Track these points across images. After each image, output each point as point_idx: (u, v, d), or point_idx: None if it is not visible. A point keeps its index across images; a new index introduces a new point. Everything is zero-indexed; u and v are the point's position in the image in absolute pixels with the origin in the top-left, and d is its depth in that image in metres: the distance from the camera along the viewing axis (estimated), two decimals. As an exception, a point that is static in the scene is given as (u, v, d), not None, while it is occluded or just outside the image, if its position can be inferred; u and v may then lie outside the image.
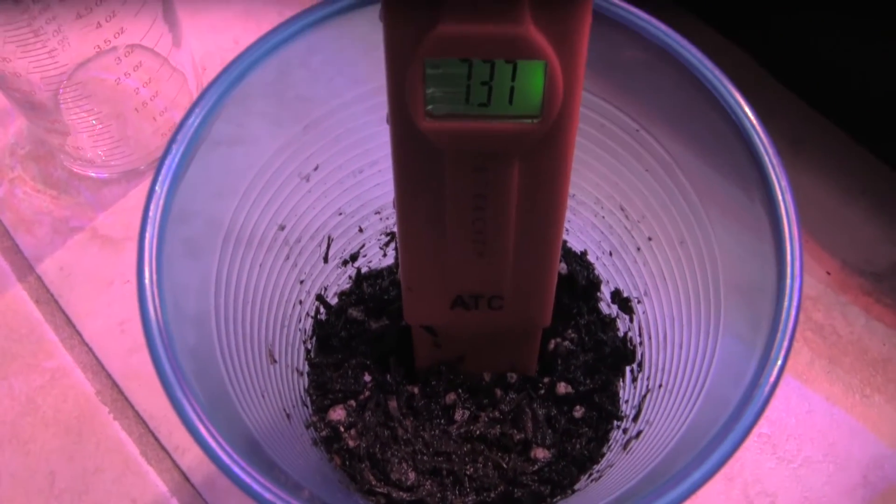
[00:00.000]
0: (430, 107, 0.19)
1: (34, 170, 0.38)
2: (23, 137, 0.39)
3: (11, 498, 0.32)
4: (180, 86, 0.37)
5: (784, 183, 0.19)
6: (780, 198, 0.18)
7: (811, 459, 0.32)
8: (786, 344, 0.17)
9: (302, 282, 0.26)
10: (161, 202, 0.19)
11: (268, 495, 0.16)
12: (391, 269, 0.30)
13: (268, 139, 0.22)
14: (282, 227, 0.24)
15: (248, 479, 0.16)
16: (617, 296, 0.27)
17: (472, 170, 0.20)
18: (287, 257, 0.25)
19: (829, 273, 0.36)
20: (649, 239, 0.24)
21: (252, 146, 0.22)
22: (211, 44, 0.41)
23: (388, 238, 0.30)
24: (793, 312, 0.17)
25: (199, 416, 0.17)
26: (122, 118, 0.36)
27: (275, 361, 0.24)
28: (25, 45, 0.30)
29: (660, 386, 0.23)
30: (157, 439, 0.33)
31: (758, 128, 0.20)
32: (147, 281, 0.18)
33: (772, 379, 0.16)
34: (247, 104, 0.21)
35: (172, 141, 0.20)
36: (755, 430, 0.32)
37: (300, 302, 0.26)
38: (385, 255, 0.30)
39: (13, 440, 0.33)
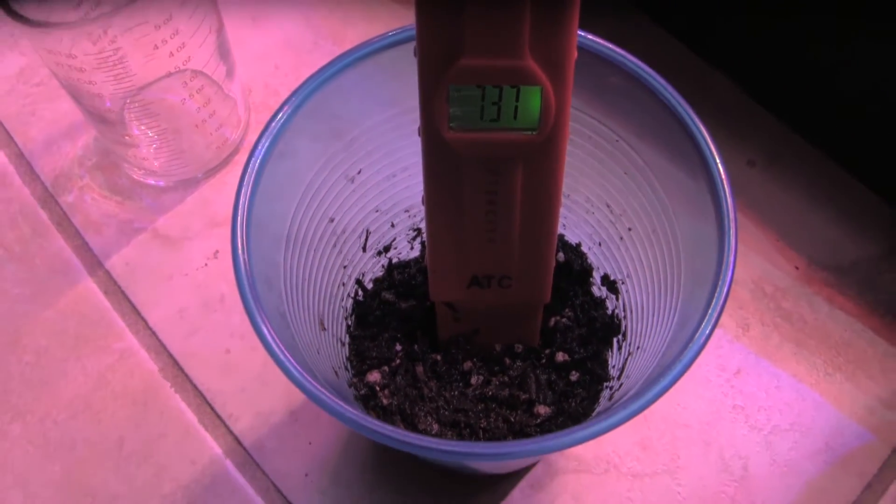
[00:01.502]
0: (452, 123, 0.24)
1: (101, 178, 0.44)
2: (90, 150, 0.45)
3: (86, 458, 0.37)
4: (231, 108, 0.42)
5: (727, 187, 0.24)
6: (722, 193, 0.24)
7: (779, 428, 0.37)
8: (719, 307, 0.22)
9: (345, 267, 0.32)
10: (246, 200, 0.24)
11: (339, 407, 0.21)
12: (417, 260, 0.35)
13: (320, 151, 0.28)
14: (331, 220, 0.29)
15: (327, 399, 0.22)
16: (606, 279, 0.32)
17: (485, 172, 0.26)
18: (334, 245, 0.30)
19: (797, 268, 0.41)
20: (629, 229, 0.29)
21: (307, 156, 0.27)
22: (256, 69, 0.47)
23: (415, 233, 0.35)
24: (724, 289, 0.22)
25: (283, 354, 0.22)
26: (179, 133, 0.42)
27: (324, 329, 0.29)
28: (105, 65, 0.35)
29: (638, 348, 0.28)
30: (212, 409, 0.38)
31: (708, 139, 0.25)
32: (241, 259, 0.24)
33: (707, 330, 0.21)
34: (303, 126, 0.26)
35: (251, 155, 0.25)
36: (730, 402, 0.37)
37: (343, 284, 0.32)
38: (412, 248, 0.36)
39: (86, 411, 0.38)
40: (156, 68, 0.36)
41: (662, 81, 0.25)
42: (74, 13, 0.36)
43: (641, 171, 0.27)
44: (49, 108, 0.46)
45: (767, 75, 0.44)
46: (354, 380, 0.31)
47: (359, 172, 0.30)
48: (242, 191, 0.24)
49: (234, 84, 0.42)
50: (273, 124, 0.26)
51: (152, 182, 0.43)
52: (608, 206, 0.30)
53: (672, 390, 0.37)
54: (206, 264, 0.41)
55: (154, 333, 0.40)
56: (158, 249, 0.42)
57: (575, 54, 0.23)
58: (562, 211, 0.33)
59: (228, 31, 0.41)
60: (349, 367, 0.31)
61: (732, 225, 0.23)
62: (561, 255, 0.33)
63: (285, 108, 0.26)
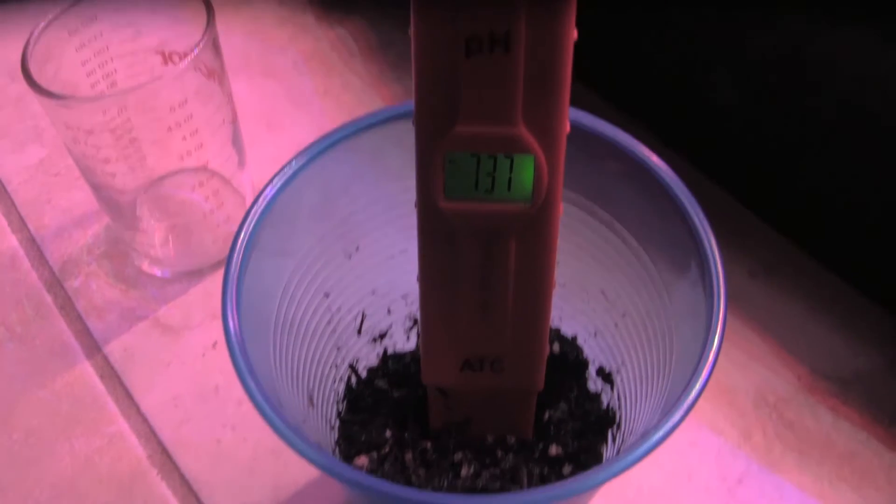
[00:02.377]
0: (447, 193, 0.25)
1: (108, 266, 0.45)
2: (100, 239, 0.46)
3: (64, 547, 0.36)
4: (240, 203, 0.44)
5: (721, 276, 0.24)
6: (714, 281, 0.24)
7: (783, 540, 0.36)
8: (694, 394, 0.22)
9: (339, 348, 0.32)
10: (239, 257, 0.25)
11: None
12: (413, 353, 0.35)
13: (319, 219, 0.28)
14: (326, 295, 0.30)
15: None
16: (601, 372, 0.32)
17: (479, 245, 0.26)
18: (328, 322, 0.30)
19: (799, 378, 0.40)
20: (623, 315, 0.29)
21: (307, 223, 0.28)
22: (266, 169, 0.48)
23: (412, 323, 0.35)
24: (711, 356, 0.22)
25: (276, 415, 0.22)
26: (188, 227, 0.43)
27: (313, 405, 0.29)
28: (120, 143, 0.36)
29: (631, 433, 0.28)
30: (198, 499, 0.37)
31: (705, 225, 0.25)
32: (230, 322, 0.24)
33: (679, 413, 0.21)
34: (304, 190, 0.27)
35: (247, 216, 0.26)
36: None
37: (336, 366, 0.32)
38: (408, 339, 0.35)
39: (69, 493, 0.37)
40: (169, 157, 0.38)
41: (662, 165, 0.26)
42: (92, 90, 0.38)
43: (636, 252, 0.28)
44: (65, 196, 0.48)
45: (764, 189, 0.45)
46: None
47: (357, 249, 0.30)
48: (246, 223, 0.25)
49: (244, 179, 0.43)
50: (276, 179, 0.27)
51: (158, 272, 0.44)
52: (603, 292, 0.30)
53: (671, 499, 0.36)
54: (203, 354, 0.41)
55: (146, 419, 0.39)
56: (158, 337, 0.42)
57: (567, 126, 0.24)
58: (557, 302, 0.33)
59: (244, 135, 0.43)
60: (337, 451, 0.31)
61: (722, 298, 0.23)
62: (556, 347, 0.33)
63: (286, 169, 0.27)
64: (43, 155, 0.50)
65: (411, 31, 0.23)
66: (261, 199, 0.26)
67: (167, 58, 0.41)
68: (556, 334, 0.34)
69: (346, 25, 0.60)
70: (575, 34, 0.23)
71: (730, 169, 0.46)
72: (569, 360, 0.33)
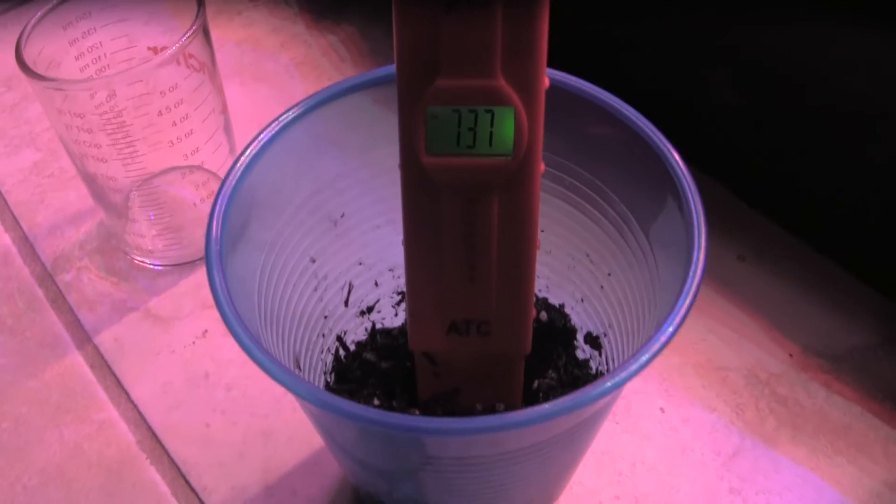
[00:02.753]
0: (429, 149, 0.25)
1: (99, 261, 0.45)
2: (92, 235, 0.46)
3: (52, 534, 0.36)
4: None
5: (699, 207, 0.25)
6: (693, 212, 0.24)
7: (779, 512, 0.35)
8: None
9: (326, 317, 0.32)
10: (220, 217, 0.25)
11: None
12: (401, 328, 0.35)
13: (306, 177, 0.28)
14: (312, 261, 0.30)
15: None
16: (589, 337, 0.32)
17: (463, 201, 0.26)
18: (315, 289, 0.30)
19: (791, 356, 0.40)
20: (609, 274, 0.29)
21: (292, 187, 0.28)
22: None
23: (399, 297, 0.35)
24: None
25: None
26: (178, 220, 0.43)
27: (300, 370, 0.29)
28: (110, 126, 0.37)
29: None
30: (187, 482, 0.36)
31: (679, 164, 0.26)
32: (217, 280, 0.24)
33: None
34: (293, 144, 0.27)
35: (233, 167, 0.26)
36: (727, 485, 0.35)
37: (323, 335, 0.32)
38: (396, 314, 0.35)
39: (58, 479, 0.37)
40: (159, 144, 0.38)
41: (646, 122, 0.26)
42: (78, 65, 0.38)
43: (615, 206, 0.28)
44: (57, 196, 0.48)
45: (752, 176, 0.45)
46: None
47: (342, 216, 0.30)
48: (232, 172, 0.25)
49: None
50: (263, 134, 0.27)
51: (150, 263, 0.44)
52: (587, 255, 0.30)
53: (665, 473, 0.36)
54: (193, 342, 0.41)
55: (135, 406, 0.39)
56: (149, 327, 0.42)
57: (545, 79, 0.24)
58: (544, 271, 0.33)
59: (236, 137, 0.43)
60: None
61: (703, 230, 0.23)
62: (544, 315, 0.33)
63: (280, 119, 0.27)
64: (37, 158, 0.50)
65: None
66: (249, 150, 0.26)
67: (158, 52, 0.41)
68: (544, 303, 0.34)
69: (337, 33, 0.60)
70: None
71: (718, 158, 0.46)
72: (556, 327, 0.33)
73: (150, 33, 0.41)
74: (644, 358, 0.20)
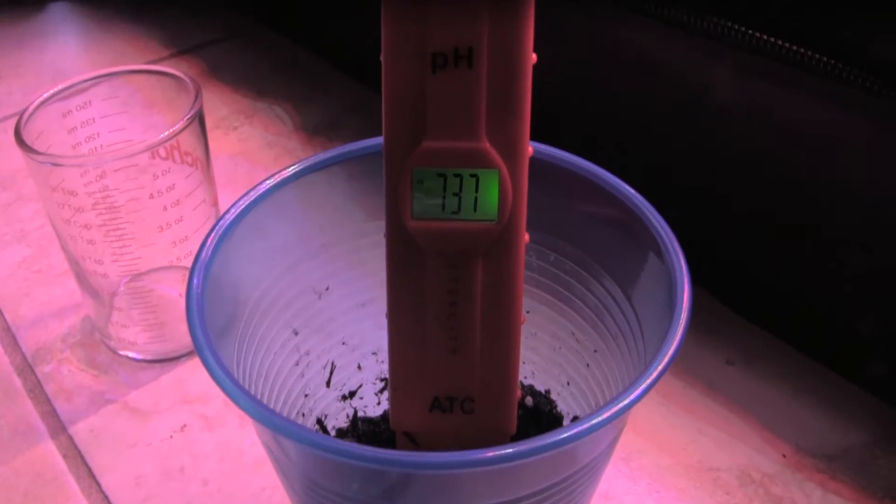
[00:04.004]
0: (415, 214, 0.26)
1: (81, 353, 0.44)
2: (76, 329, 0.46)
3: None
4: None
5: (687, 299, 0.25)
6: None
7: None
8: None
9: (307, 395, 0.31)
10: (201, 278, 0.25)
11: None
12: (384, 415, 0.34)
13: (292, 244, 0.29)
14: (295, 333, 0.29)
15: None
16: (575, 420, 0.31)
17: (447, 267, 0.26)
18: (297, 363, 0.30)
19: (784, 455, 0.39)
20: (594, 351, 0.29)
21: (275, 254, 0.28)
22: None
23: (383, 385, 0.35)
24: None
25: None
26: (164, 317, 0.43)
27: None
28: (101, 206, 0.37)
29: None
30: (154, 579, 0.35)
31: (669, 235, 0.26)
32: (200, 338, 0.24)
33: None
34: (276, 210, 0.28)
35: (208, 236, 0.26)
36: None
37: (303, 415, 0.31)
38: (379, 402, 0.35)
39: (20, 576, 0.35)
40: (149, 227, 0.38)
41: (633, 192, 0.27)
42: (74, 152, 0.39)
43: (603, 280, 0.28)
44: (44, 291, 0.48)
45: (738, 283, 0.46)
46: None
47: (327, 289, 0.30)
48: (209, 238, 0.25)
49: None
50: (260, 186, 0.27)
51: (131, 355, 0.44)
52: (573, 333, 0.30)
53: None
54: (171, 436, 0.40)
55: (106, 497, 0.37)
56: (125, 420, 0.41)
57: (529, 147, 0.25)
58: (529, 355, 0.33)
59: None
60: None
61: (685, 281, 0.23)
62: (529, 400, 0.32)
63: (268, 181, 0.28)
64: (27, 254, 0.51)
65: (382, 48, 0.24)
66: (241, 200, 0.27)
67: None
68: (530, 390, 0.33)
69: (329, 150, 0.62)
70: (534, 57, 0.24)
71: (701, 264, 0.47)
72: (543, 412, 0.32)
73: (147, 125, 0.42)
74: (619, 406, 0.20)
